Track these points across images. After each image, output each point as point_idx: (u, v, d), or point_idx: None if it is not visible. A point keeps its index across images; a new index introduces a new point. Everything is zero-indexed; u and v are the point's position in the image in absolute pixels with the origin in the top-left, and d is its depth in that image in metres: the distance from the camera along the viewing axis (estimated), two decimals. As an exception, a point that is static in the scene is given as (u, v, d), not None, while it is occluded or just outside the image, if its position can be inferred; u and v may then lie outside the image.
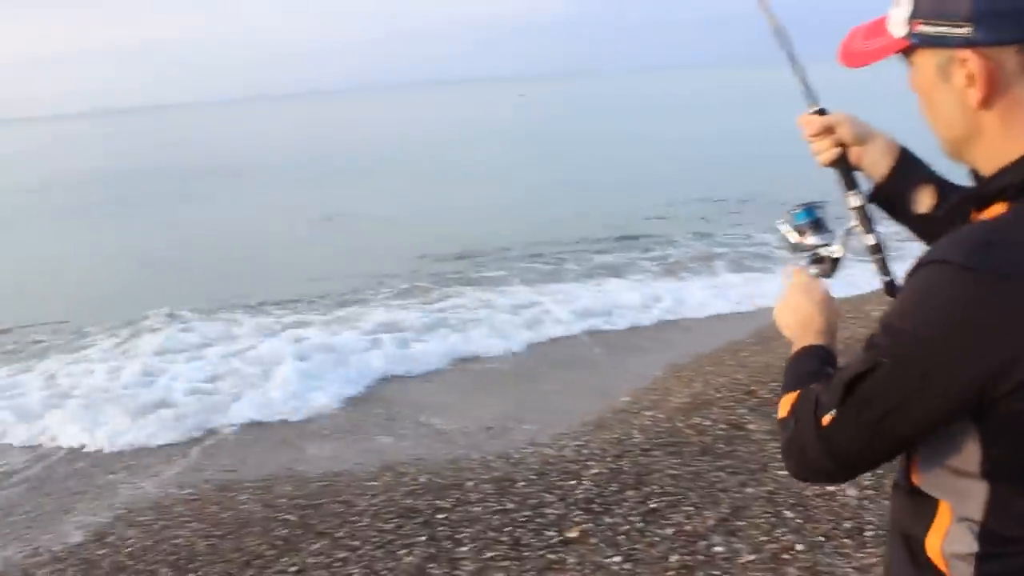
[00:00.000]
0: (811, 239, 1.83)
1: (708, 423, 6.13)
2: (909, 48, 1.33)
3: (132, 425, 7.66)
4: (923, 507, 1.33)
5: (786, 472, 5.26)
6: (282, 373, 8.73)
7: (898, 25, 1.33)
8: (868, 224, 1.76)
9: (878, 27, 1.40)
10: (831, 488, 5.05)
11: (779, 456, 5.53)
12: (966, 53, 1.23)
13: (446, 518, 5.01)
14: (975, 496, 1.26)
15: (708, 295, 11.32)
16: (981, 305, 1.16)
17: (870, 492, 4.98)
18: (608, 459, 5.65)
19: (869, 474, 5.25)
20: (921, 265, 1.25)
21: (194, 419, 7.76)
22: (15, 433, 7.84)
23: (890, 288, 1.71)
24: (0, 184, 36.79)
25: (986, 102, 1.25)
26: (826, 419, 1.31)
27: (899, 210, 1.78)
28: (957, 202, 1.43)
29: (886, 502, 4.84)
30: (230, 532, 5.19)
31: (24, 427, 7.91)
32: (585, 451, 5.85)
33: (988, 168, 1.31)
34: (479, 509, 5.10)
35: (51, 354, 10.37)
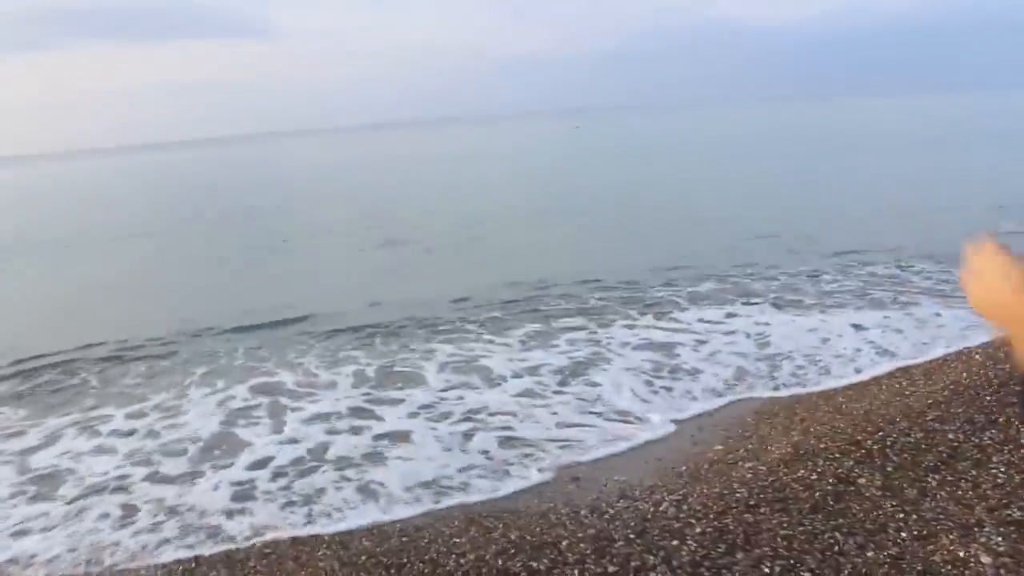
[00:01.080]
0: None
1: (815, 476, 5.70)
2: None
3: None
4: None
5: (908, 534, 4.87)
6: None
7: None
8: None
9: None
10: (962, 554, 4.63)
11: (898, 516, 5.17)
12: None
13: (543, 581, 4.65)
14: None
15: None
16: None
17: (1006, 560, 4.55)
18: (711, 516, 5.25)
19: (1003, 540, 4.83)
20: None
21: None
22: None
23: None
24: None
25: None
26: None
27: None
28: None
29: (1024, 573, 4.42)
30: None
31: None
32: (685, 507, 5.46)
33: None
34: (576, 572, 4.72)
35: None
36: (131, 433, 8.56)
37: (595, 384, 9.01)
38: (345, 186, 44.04)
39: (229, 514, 6.41)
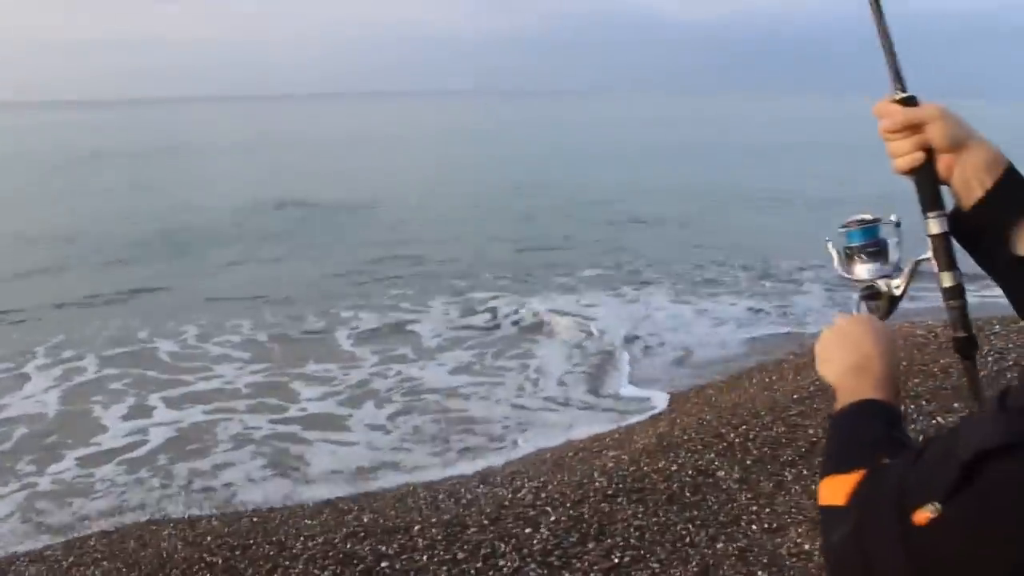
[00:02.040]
0: (866, 267, 1.48)
1: (675, 468, 5.73)
2: None
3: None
4: None
5: (759, 527, 4.92)
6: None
7: None
8: (948, 258, 1.36)
9: None
10: (807, 547, 4.70)
11: (752, 508, 5.23)
12: None
13: (388, 567, 4.54)
14: None
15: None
16: None
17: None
18: (568, 505, 5.22)
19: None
20: None
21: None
22: None
23: (967, 345, 1.37)
24: None
25: None
26: (921, 516, 0.88)
27: (985, 248, 1.32)
28: None
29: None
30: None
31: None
32: (543, 494, 5.41)
33: None
34: (425, 558, 4.62)
35: None
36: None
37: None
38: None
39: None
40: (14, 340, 10.34)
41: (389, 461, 6.61)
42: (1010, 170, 1.33)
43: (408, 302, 12.05)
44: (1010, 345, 7.14)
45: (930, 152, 1.35)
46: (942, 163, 1.35)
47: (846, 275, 1.52)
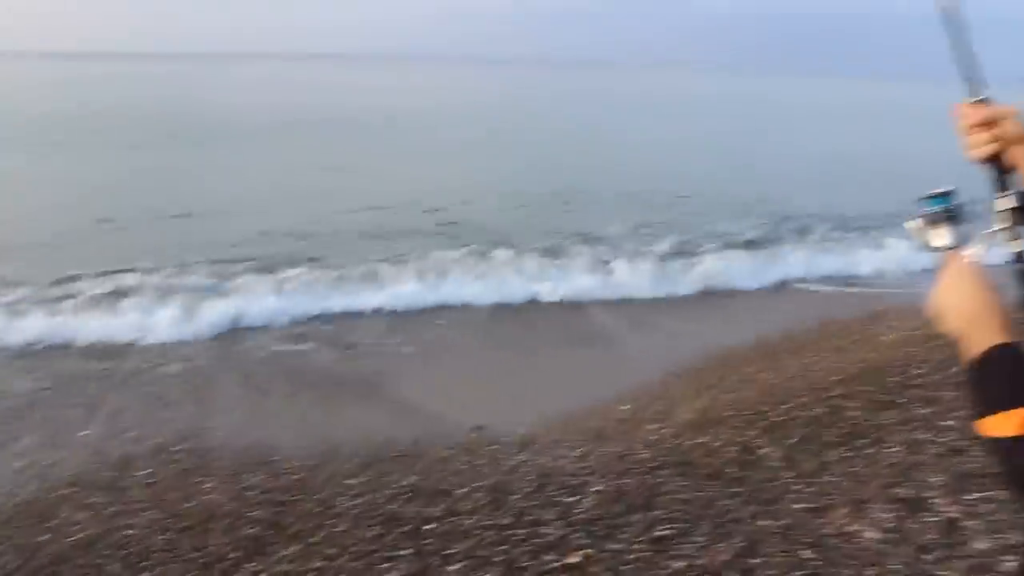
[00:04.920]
0: (948, 231, 1.66)
1: (718, 444, 5.71)
2: None
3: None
4: None
5: (802, 506, 4.90)
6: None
7: None
8: (1015, 229, 1.60)
9: None
10: (850, 528, 4.67)
11: (795, 487, 5.20)
12: None
13: (434, 529, 4.54)
14: None
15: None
16: None
17: (892, 536, 4.59)
18: (612, 475, 5.21)
19: (891, 516, 4.89)
20: None
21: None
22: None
23: None
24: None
25: None
26: None
27: None
28: None
29: (908, 549, 4.47)
30: (190, 526, 4.68)
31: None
32: (586, 465, 5.40)
33: None
34: (471, 521, 4.62)
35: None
36: None
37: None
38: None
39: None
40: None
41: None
42: None
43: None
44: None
45: (1003, 144, 1.61)
46: (1013, 154, 1.62)
47: (928, 241, 1.67)
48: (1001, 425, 1.29)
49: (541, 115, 45.71)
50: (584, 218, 16.92)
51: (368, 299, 10.76)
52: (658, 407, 6.65)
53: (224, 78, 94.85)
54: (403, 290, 11.07)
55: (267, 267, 12.16)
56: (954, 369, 6.56)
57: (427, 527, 4.54)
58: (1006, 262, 1.62)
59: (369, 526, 4.56)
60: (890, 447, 5.62)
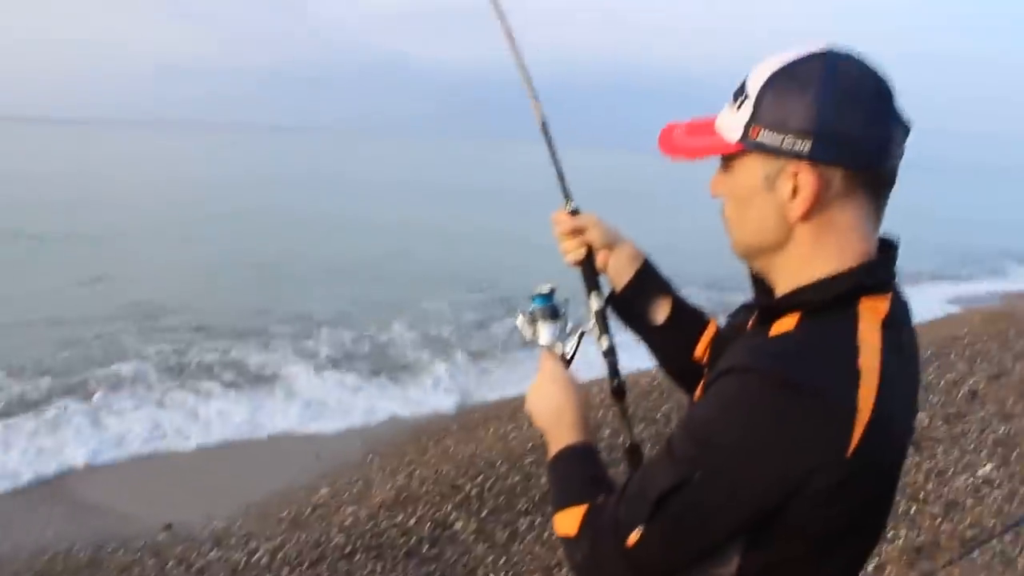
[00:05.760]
0: (545, 332, 1.81)
1: (413, 522, 5.78)
2: (738, 152, 1.32)
3: None
4: None
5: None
6: None
7: (733, 129, 1.32)
8: (604, 327, 1.82)
9: (703, 126, 1.40)
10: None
11: (488, 560, 5.36)
12: (800, 166, 1.25)
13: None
14: None
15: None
16: (783, 417, 1.17)
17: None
18: (306, 565, 5.13)
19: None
20: (727, 372, 1.25)
21: None
22: None
23: (618, 391, 1.80)
24: None
25: (806, 216, 1.27)
26: (632, 538, 1.26)
27: (634, 318, 1.84)
28: (754, 308, 1.45)
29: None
30: None
31: None
32: (280, 555, 5.28)
33: (785, 278, 1.34)
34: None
35: None
36: None
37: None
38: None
39: None
40: None
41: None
42: (647, 262, 1.85)
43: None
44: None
45: (590, 249, 1.83)
46: (600, 257, 1.84)
47: (531, 337, 1.83)
48: (564, 522, 1.40)
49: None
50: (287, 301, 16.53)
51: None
52: (357, 488, 6.64)
53: None
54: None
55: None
56: (637, 429, 7.07)
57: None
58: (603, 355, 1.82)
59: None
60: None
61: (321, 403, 9.33)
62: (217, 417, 8.68)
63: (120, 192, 36.70)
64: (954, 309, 15.81)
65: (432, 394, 9.98)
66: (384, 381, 10.38)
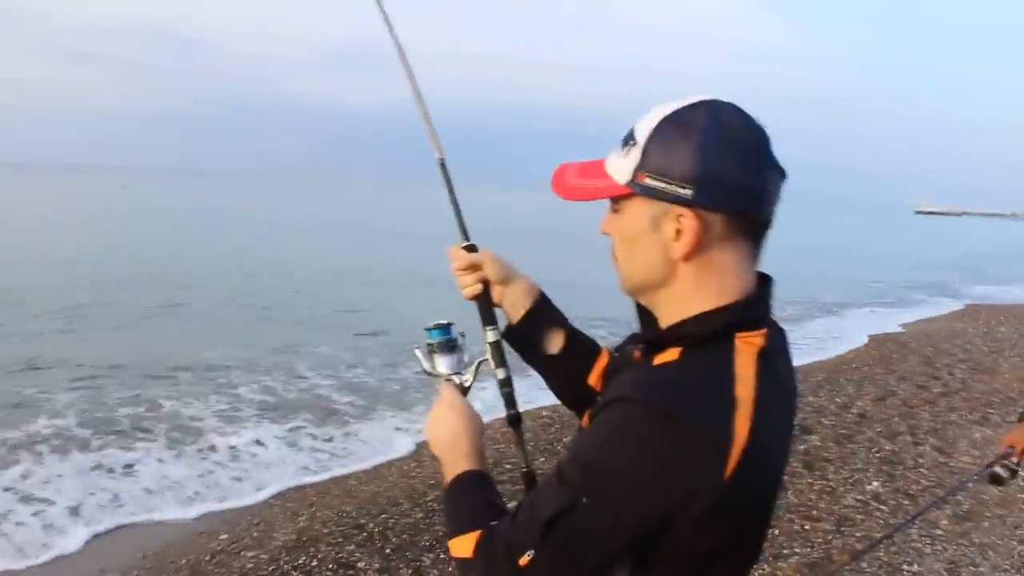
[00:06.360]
0: (444, 360, 1.88)
1: (315, 563, 5.73)
2: (626, 195, 1.40)
3: None
4: None
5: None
6: None
7: (622, 173, 1.40)
8: (500, 358, 1.88)
9: (594, 169, 1.47)
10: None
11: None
12: (683, 210, 1.34)
13: None
14: None
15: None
16: (664, 446, 1.24)
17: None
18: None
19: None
20: (612, 402, 1.32)
21: None
22: None
23: (514, 420, 1.87)
24: None
25: (688, 256, 1.36)
26: (523, 560, 1.31)
27: (529, 349, 1.90)
28: (639, 339, 1.52)
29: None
30: None
31: None
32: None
33: (669, 312, 1.43)
34: None
35: None
36: None
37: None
38: None
39: None
40: None
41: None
42: (541, 296, 1.91)
43: None
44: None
45: (487, 284, 1.88)
46: (495, 292, 1.89)
47: (429, 368, 1.89)
48: (459, 546, 1.46)
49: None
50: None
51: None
52: (257, 532, 6.52)
53: None
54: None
55: None
56: (538, 461, 7.15)
57: None
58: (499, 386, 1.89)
59: None
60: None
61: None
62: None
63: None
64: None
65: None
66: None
